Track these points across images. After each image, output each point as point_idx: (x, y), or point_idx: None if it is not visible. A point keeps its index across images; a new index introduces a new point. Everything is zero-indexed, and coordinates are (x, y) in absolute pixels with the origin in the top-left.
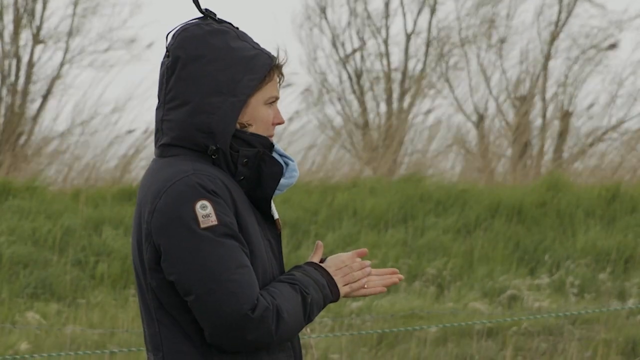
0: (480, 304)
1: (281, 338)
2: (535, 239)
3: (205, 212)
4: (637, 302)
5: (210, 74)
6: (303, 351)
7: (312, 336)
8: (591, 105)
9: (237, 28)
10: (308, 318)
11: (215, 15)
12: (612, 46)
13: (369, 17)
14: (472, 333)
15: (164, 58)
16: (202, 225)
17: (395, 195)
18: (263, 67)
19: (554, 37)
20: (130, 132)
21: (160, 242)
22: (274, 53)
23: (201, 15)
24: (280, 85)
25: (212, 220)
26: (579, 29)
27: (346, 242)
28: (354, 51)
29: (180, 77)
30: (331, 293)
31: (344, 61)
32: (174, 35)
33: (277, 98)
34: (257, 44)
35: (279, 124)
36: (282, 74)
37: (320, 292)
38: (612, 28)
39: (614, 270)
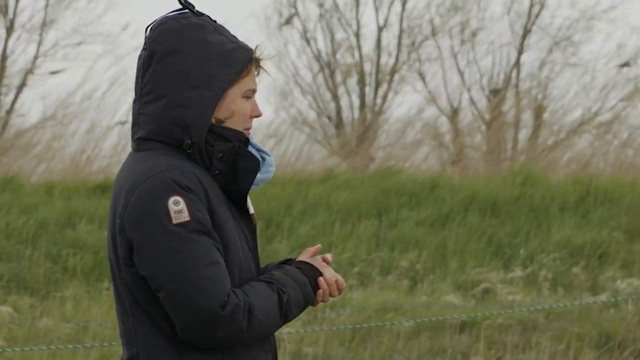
0: (453, 297)
1: (254, 335)
2: (509, 232)
3: (178, 207)
4: (610, 296)
5: (187, 68)
6: (277, 346)
7: (284, 331)
8: (565, 98)
9: (215, 21)
10: (285, 317)
11: (193, 7)
12: (626, 64)
13: (337, 9)
14: (446, 327)
15: (141, 51)
16: (175, 221)
17: (369, 188)
18: (240, 61)
19: (526, 30)
20: (120, 123)
21: (133, 237)
22: (251, 46)
23: (180, 7)
24: (257, 78)
25: (185, 216)
26: (551, 21)
27: (319, 235)
28: (291, 17)
29: (157, 70)
30: (314, 292)
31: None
32: (151, 28)
33: (254, 91)
34: (234, 37)
35: (257, 116)
36: (260, 67)
37: (301, 291)
38: (583, 20)
39: (587, 265)
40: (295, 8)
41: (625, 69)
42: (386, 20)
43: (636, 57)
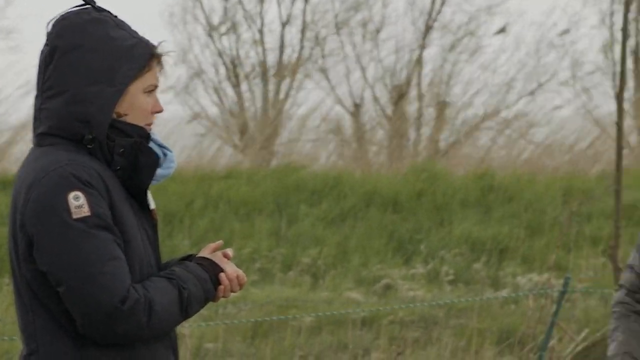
0: (355, 293)
1: (154, 331)
2: (411, 228)
3: (78, 202)
4: (511, 291)
5: (89, 63)
6: (177, 341)
7: (185, 325)
8: (466, 94)
9: (116, 17)
10: (185, 312)
11: (94, 2)
12: (502, 30)
13: (241, 4)
14: (347, 322)
15: (43, 47)
16: (75, 216)
17: (271, 184)
18: (142, 56)
19: (428, 26)
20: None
21: (33, 232)
22: (154, 42)
23: (82, 3)
24: (159, 74)
25: (85, 211)
26: (452, 18)
27: (220, 231)
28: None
29: (58, 66)
30: (215, 287)
31: (218, 48)
32: (53, 24)
33: (156, 86)
34: (136, 32)
35: (158, 112)
36: (161, 63)
37: (201, 287)
38: (483, 15)
39: (488, 260)
40: (201, 2)
41: (501, 35)
42: (289, 16)
43: (532, 44)
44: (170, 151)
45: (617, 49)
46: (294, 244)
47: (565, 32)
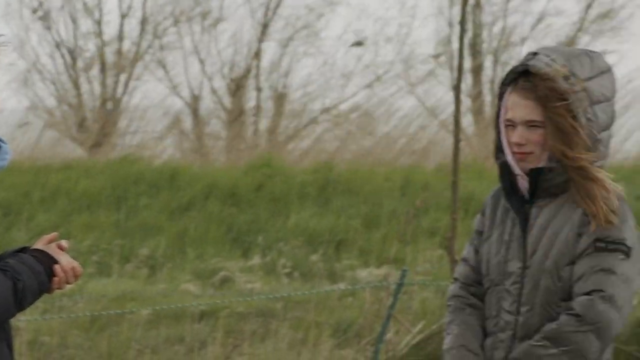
0: (192, 285)
1: None
2: (249, 220)
3: None
4: (348, 284)
5: None
6: (12, 334)
7: (21, 319)
8: (305, 87)
9: None
10: (20, 304)
11: None
12: (359, 43)
13: None
14: (185, 315)
15: None
16: None
17: (109, 176)
18: None
19: (267, 19)
20: None
21: None
22: None
23: None
24: None
25: None
26: (291, 11)
27: (59, 224)
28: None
29: None
30: (49, 279)
31: (57, 42)
32: None
33: None
34: None
35: None
36: None
37: (36, 279)
38: (323, 7)
39: (326, 253)
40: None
41: (357, 48)
42: (129, 8)
43: (368, 38)
44: (5, 143)
45: (455, 42)
46: (133, 237)
47: (401, 24)
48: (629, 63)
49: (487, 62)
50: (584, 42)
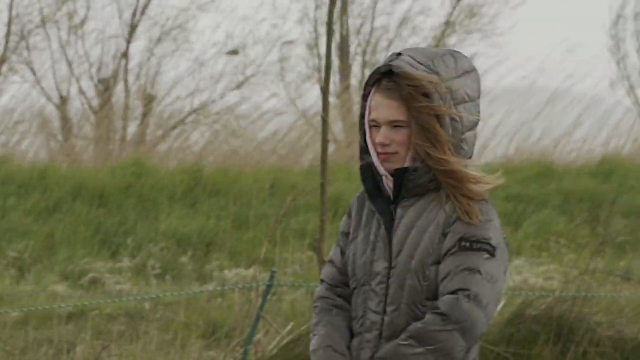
0: (61, 287)
1: None
2: (118, 222)
3: None
4: (218, 285)
5: None
6: None
7: None
8: (175, 89)
9: None
10: None
11: None
12: (235, 52)
13: None
14: (54, 316)
15: None
16: None
17: None
18: None
19: (135, 20)
20: None
21: None
22: None
23: None
24: None
25: None
26: (160, 11)
27: None
28: None
29: None
30: None
31: None
32: None
33: None
34: None
35: None
36: None
37: None
38: (193, 9)
39: (195, 254)
40: None
41: (233, 56)
42: None
43: (244, 45)
44: None
45: (323, 43)
46: (1, 238)
47: (272, 26)
48: (493, 62)
49: (356, 64)
50: (451, 42)
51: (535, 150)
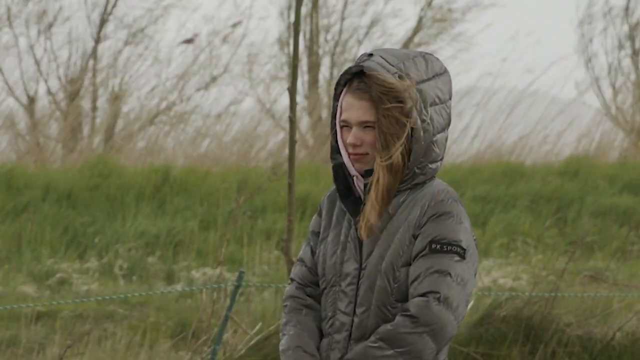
0: (28, 287)
1: None
2: (85, 222)
3: None
4: (185, 285)
5: None
6: None
7: None
8: (142, 89)
9: None
10: None
11: None
12: (189, 40)
13: None
14: (21, 317)
15: None
16: None
17: None
18: None
19: (103, 20)
20: None
21: None
22: None
23: None
24: None
25: None
26: (128, 11)
27: None
28: None
29: None
30: None
31: None
32: None
33: None
34: None
35: None
36: None
37: None
38: (158, 9)
39: (163, 254)
40: None
41: (187, 45)
42: None
43: (205, 38)
44: None
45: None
46: None
47: (237, 24)
48: (460, 61)
49: (324, 64)
50: (421, 45)
51: (501, 149)
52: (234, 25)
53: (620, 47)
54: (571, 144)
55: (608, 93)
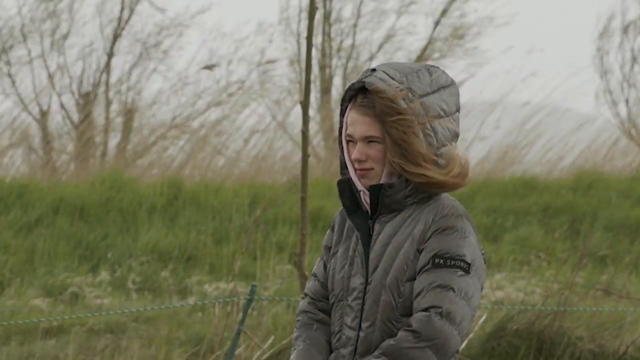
0: (41, 301)
1: None
2: (98, 236)
3: None
4: (198, 299)
5: None
6: None
7: None
8: (155, 103)
9: None
10: None
11: None
12: (210, 66)
13: None
14: (36, 331)
15: None
16: None
17: None
18: None
19: (116, 35)
20: None
21: None
22: None
23: None
24: None
25: None
26: (142, 27)
27: None
28: None
29: None
30: None
31: None
32: None
33: None
34: None
35: None
36: None
37: None
38: (173, 27)
39: (175, 268)
40: None
41: (209, 71)
42: None
43: (221, 60)
44: None
45: (303, 58)
46: None
47: (257, 44)
48: (474, 76)
49: (337, 79)
50: (434, 60)
51: (514, 162)
52: (252, 45)
53: (634, 60)
54: (584, 157)
55: (622, 107)
